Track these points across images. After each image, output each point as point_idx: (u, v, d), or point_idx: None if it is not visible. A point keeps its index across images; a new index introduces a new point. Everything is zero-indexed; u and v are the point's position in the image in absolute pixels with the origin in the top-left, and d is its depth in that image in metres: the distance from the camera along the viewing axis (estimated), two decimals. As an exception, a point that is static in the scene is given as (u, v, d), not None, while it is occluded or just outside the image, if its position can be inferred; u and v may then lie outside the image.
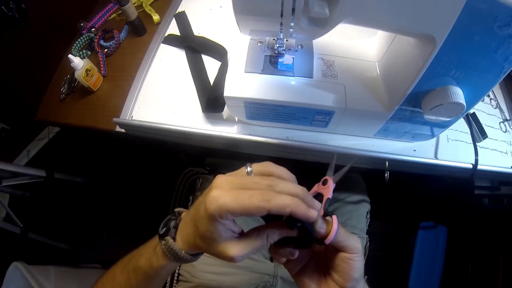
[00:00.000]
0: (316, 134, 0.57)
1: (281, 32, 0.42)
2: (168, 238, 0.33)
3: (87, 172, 1.25)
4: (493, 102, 0.66)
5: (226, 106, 0.56)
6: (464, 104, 0.42)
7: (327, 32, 0.44)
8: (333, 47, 0.56)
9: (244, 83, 0.50)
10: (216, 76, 0.59)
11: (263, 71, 0.50)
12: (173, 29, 0.73)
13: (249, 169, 0.32)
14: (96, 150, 1.48)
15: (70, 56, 0.66)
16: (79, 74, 0.67)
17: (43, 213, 1.32)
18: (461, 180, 0.59)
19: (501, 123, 0.63)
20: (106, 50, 0.76)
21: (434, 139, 0.59)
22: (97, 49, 0.77)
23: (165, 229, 0.34)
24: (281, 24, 0.40)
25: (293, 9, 0.38)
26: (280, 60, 0.51)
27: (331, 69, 0.53)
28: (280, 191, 0.28)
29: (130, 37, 0.78)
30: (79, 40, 0.80)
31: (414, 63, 0.42)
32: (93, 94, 0.71)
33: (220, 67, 0.60)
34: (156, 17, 0.76)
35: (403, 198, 1.12)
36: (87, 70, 0.68)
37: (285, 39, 0.52)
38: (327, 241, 0.31)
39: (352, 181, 0.77)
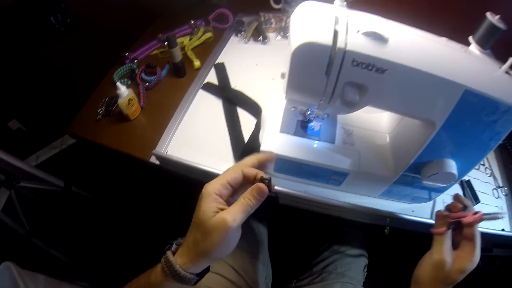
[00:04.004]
0: (330, 191, 0.65)
1: (317, 106, 0.51)
2: (168, 252, 0.34)
3: (96, 190, 1.24)
4: (488, 171, 0.72)
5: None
6: (456, 173, 0.50)
7: (353, 112, 0.53)
8: (353, 118, 0.65)
9: (278, 141, 0.58)
10: (252, 132, 0.67)
11: (295, 133, 0.59)
12: (211, 77, 0.81)
13: None
14: (110, 170, 1.46)
15: (118, 84, 0.71)
16: (122, 102, 0.72)
17: (50, 221, 1.30)
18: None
19: (494, 190, 0.69)
20: (147, 84, 0.82)
21: (431, 202, 0.66)
22: (139, 81, 0.83)
23: (168, 245, 0.35)
24: (321, 101, 0.49)
25: (333, 93, 0.47)
26: (310, 125, 0.60)
27: (350, 137, 0.62)
28: None
29: (169, 76, 0.85)
30: (121, 68, 0.86)
31: (418, 139, 0.51)
32: (130, 122, 0.76)
33: (256, 124, 0.69)
34: (197, 63, 0.84)
35: (399, 258, 1.11)
36: (129, 100, 0.73)
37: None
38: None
39: (353, 236, 0.83)
